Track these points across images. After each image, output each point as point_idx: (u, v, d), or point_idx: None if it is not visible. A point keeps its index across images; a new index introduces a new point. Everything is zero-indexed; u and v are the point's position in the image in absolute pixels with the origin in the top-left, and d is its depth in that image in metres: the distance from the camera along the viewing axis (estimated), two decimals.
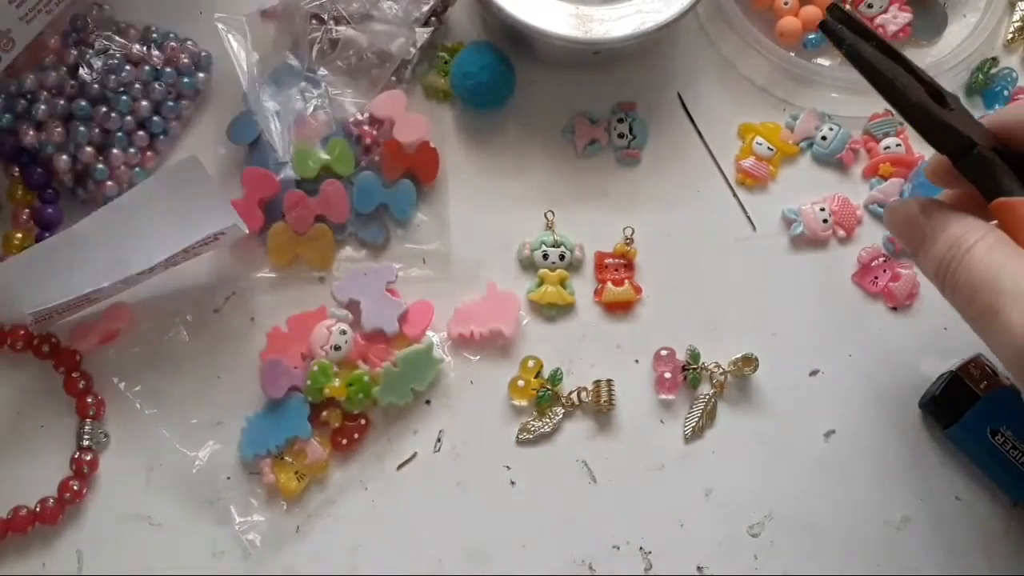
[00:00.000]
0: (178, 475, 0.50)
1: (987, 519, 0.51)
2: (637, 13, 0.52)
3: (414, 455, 0.51)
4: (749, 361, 0.52)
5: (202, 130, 0.56)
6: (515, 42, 0.55)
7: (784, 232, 0.55)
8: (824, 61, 0.58)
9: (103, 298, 0.51)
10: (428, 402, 0.52)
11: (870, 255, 0.55)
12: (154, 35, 0.54)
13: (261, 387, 0.51)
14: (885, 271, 0.54)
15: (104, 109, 0.52)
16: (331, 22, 0.54)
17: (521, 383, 0.51)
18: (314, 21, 0.54)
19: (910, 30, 0.58)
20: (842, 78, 0.57)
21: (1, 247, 0.52)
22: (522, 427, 0.51)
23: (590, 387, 0.52)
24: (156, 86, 0.53)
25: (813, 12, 0.58)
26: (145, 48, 0.53)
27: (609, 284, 0.54)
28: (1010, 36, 0.59)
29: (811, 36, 0.58)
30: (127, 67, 0.52)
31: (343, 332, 0.51)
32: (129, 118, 0.52)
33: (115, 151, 0.52)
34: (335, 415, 0.50)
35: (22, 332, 0.51)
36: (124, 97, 0.52)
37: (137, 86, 0.52)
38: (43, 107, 0.51)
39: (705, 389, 0.52)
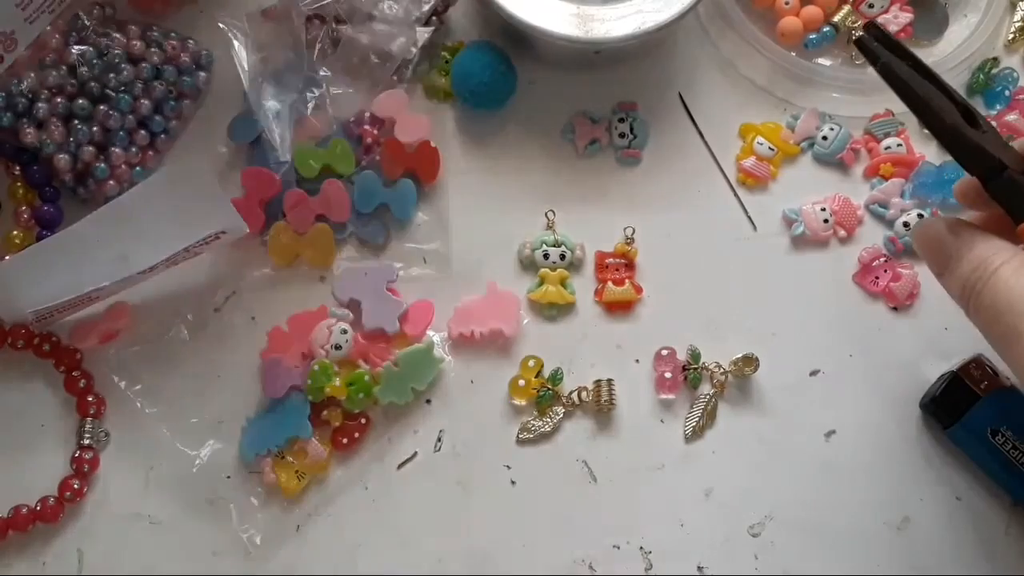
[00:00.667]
0: (178, 474, 0.50)
1: (987, 519, 0.51)
2: (638, 13, 0.52)
3: (414, 455, 0.51)
4: (750, 361, 0.52)
5: (203, 129, 0.56)
6: (516, 42, 0.55)
7: (785, 232, 0.55)
8: (825, 61, 0.58)
9: (103, 297, 0.51)
10: (428, 402, 0.52)
11: (871, 255, 0.55)
12: (155, 34, 0.54)
13: (261, 386, 0.51)
14: (886, 271, 0.54)
15: (105, 108, 0.52)
16: (332, 22, 0.54)
17: (521, 383, 0.51)
18: (315, 21, 0.54)
19: (911, 30, 0.58)
20: (843, 78, 0.57)
21: (2, 246, 0.52)
22: (522, 427, 0.51)
23: (590, 387, 0.52)
24: (157, 85, 0.53)
25: (814, 12, 0.58)
26: (146, 47, 0.53)
27: (610, 284, 0.54)
28: (1011, 36, 0.59)
29: (812, 36, 0.58)
30: (128, 66, 0.52)
31: (344, 331, 0.51)
32: (130, 117, 0.52)
33: (116, 150, 0.52)
34: (335, 414, 0.50)
35: (23, 331, 0.51)
36: (125, 96, 0.52)
37: (138, 85, 0.52)
38: (44, 106, 0.51)
39: (706, 389, 0.52)
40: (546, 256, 0.54)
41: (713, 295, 0.54)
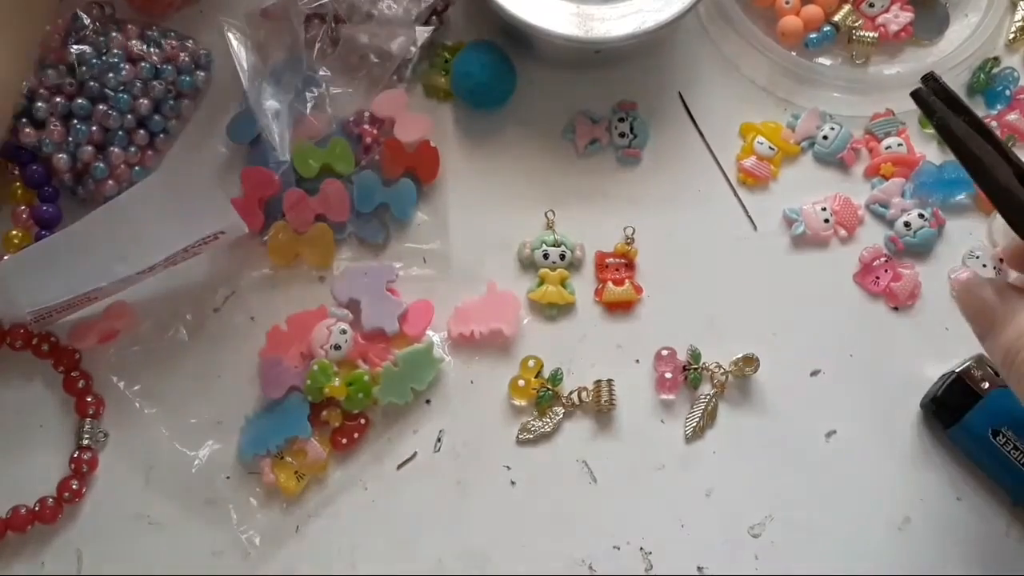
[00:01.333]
0: (178, 474, 0.50)
1: (987, 519, 0.51)
2: (638, 12, 0.52)
3: (414, 455, 0.51)
4: (750, 361, 0.52)
5: (202, 129, 0.55)
6: (515, 41, 0.55)
7: (785, 232, 0.55)
8: (825, 60, 0.58)
9: (103, 297, 0.50)
10: (428, 402, 0.52)
11: (871, 255, 0.55)
12: (154, 34, 0.54)
13: (261, 387, 0.51)
14: (887, 271, 0.54)
15: (104, 108, 0.51)
16: (331, 21, 0.54)
17: (521, 383, 0.51)
18: (314, 20, 0.54)
19: (912, 30, 0.58)
20: (843, 77, 0.57)
21: (1, 246, 0.52)
22: (522, 427, 0.51)
23: (590, 387, 0.52)
24: (156, 85, 0.53)
25: (814, 11, 0.58)
26: (145, 47, 0.53)
27: (610, 284, 0.54)
28: (1012, 36, 0.59)
29: (812, 35, 0.58)
30: (127, 66, 0.52)
31: (343, 331, 0.51)
32: (129, 117, 0.52)
33: (115, 150, 0.52)
34: (335, 415, 0.50)
35: (21, 331, 0.50)
36: (124, 96, 0.52)
37: (137, 85, 0.52)
38: (43, 106, 0.51)
39: (706, 389, 0.52)
40: (546, 256, 0.54)
41: (713, 295, 0.54)
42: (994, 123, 0.57)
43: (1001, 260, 0.51)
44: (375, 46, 0.54)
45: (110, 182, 0.52)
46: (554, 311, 0.53)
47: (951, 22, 0.59)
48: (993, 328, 0.40)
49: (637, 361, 0.53)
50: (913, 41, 0.59)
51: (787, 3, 0.58)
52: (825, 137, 0.56)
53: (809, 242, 0.55)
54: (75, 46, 0.52)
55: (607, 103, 0.57)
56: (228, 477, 0.50)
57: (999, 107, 0.57)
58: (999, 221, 0.41)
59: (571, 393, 0.52)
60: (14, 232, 0.52)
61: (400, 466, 0.51)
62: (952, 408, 0.50)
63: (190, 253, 0.49)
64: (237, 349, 0.52)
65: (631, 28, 0.52)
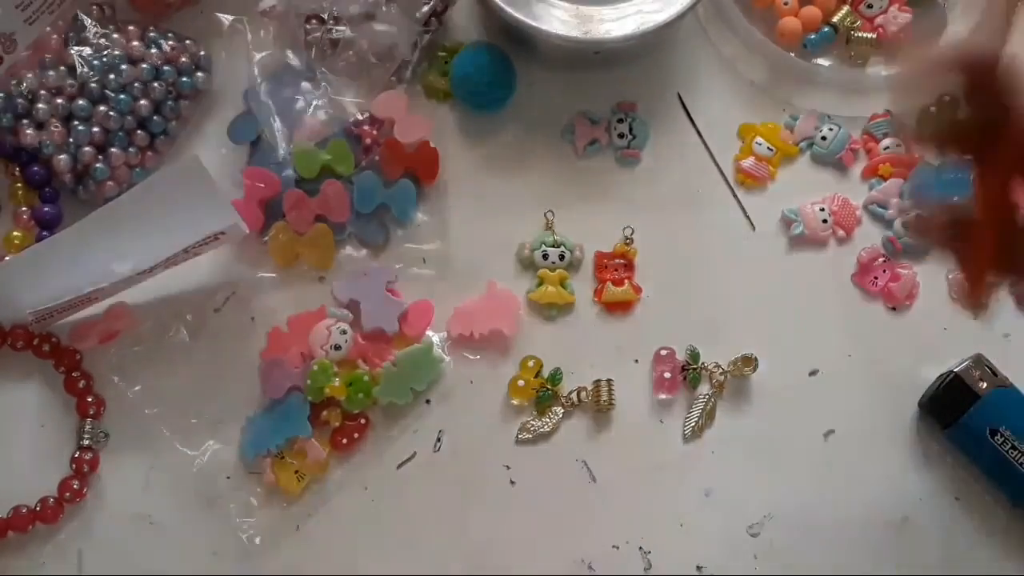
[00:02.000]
0: (178, 475, 0.50)
1: (987, 519, 0.51)
2: (637, 13, 0.52)
3: (414, 455, 0.51)
4: (749, 361, 0.52)
5: (202, 130, 0.56)
6: (515, 42, 0.56)
7: (784, 232, 0.55)
8: (824, 61, 0.58)
9: (103, 298, 0.51)
10: (428, 402, 0.52)
11: (870, 255, 0.55)
12: (154, 35, 0.54)
13: (261, 387, 0.51)
14: (885, 271, 0.54)
15: (104, 109, 0.52)
16: (331, 22, 0.54)
17: (521, 383, 0.51)
18: (314, 21, 0.54)
19: (910, 30, 0.58)
20: (842, 78, 0.57)
21: (1, 246, 0.52)
22: (522, 427, 0.51)
23: (590, 387, 0.52)
24: (156, 86, 0.53)
25: (813, 12, 0.58)
26: (145, 48, 0.53)
27: (609, 284, 0.54)
28: None
29: (811, 36, 0.58)
30: (127, 67, 0.52)
31: (343, 332, 0.51)
32: (129, 118, 0.52)
33: (115, 151, 0.52)
34: (335, 415, 0.50)
35: (22, 331, 0.50)
36: (124, 97, 0.52)
37: (137, 85, 0.52)
38: (43, 107, 0.51)
39: (705, 389, 0.52)
40: (545, 256, 0.54)
41: (712, 295, 0.54)
42: None
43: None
44: (375, 47, 0.54)
45: (110, 183, 0.52)
46: (553, 311, 0.54)
47: (949, 23, 0.59)
48: None
49: (636, 361, 0.53)
50: (912, 42, 0.59)
51: (786, 4, 0.58)
52: (823, 138, 0.57)
53: (807, 242, 0.55)
54: (75, 47, 0.52)
55: (606, 103, 0.57)
56: (229, 477, 0.50)
57: None
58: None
59: (570, 393, 0.52)
60: (15, 233, 0.52)
61: (400, 466, 0.51)
62: (950, 408, 0.50)
63: (191, 254, 0.49)
64: (237, 349, 0.52)
65: (630, 29, 0.52)
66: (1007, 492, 0.51)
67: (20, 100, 0.51)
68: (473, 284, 0.53)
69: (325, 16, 0.54)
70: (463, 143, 0.56)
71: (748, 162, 0.56)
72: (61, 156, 0.51)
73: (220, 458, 0.50)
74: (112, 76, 0.52)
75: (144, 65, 0.53)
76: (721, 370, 0.52)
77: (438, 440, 0.51)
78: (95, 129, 0.51)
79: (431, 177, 0.54)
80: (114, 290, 0.50)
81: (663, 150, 0.57)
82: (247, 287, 0.53)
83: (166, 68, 0.53)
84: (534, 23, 0.52)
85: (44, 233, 0.52)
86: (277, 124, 0.53)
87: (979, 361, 0.51)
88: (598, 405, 0.51)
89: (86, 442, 0.50)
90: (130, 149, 0.53)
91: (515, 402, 0.52)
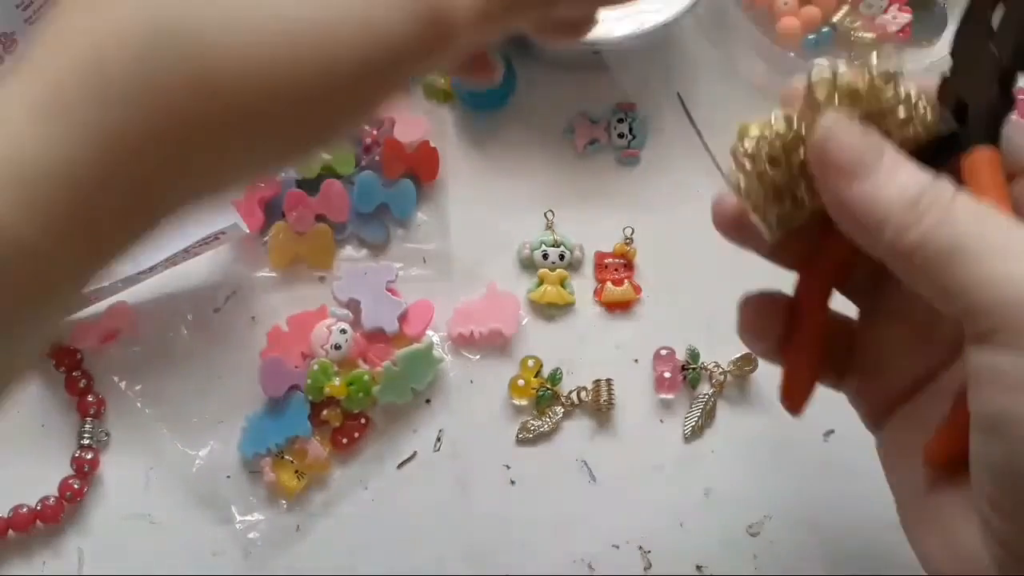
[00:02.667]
0: (178, 474, 0.50)
1: None
2: (637, 13, 0.52)
3: (414, 454, 0.51)
4: (749, 360, 0.52)
5: None
6: (515, 42, 0.56)
7: None
8: (823, 61, 0.58)
9: (104, 297, 0.51)
10: (428, 401, 0.52)
11: None
12: None
13: (261, 386, 0.51)
14: None
15: None
16: None
17: (521, 382, 0.52)
18: None
19: (910, 31, 0.58)
20: None
21: None
22: (522, 427, 0.51)
23: (590, 387, 0.52)
24: None
25: (813, 12, 0.58)
26: None
27: (609, 284, 0.54)
28: None
29: (811, 36, 0.58)
30: None
31: (343, 331, 0.51)
32: None
33: None
34: (335, 414, 0.50)
35: None
36: None
37: None
38: None
39: (705, 389, 0.52)
40: (545, 256, 0.54)
41: (712, 295, 0.54)
42: None
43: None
44: None
45: None
46: (553, 311, 0.54)
47: (949, 23, 0.59)
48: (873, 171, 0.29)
49: (636, 361, 0.53)
50: (912, 42, 0.59)
51: (785, 4, 0.58)
52: None
53: None
54: None
55: (606, 103, 0.57)
56: (229, 476, 0.50)
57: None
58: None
59: (570, 393, 0.52)
60: None
61: (400, 465, 0.51)
62: None
63: (191, 254, 0.49)
64: (238, 349, 0.52)
65: (630, 29, 0.52)
66: None
67: None
68: (473, 284, 0.53)
69: None
70: (463, 143, 0.56)
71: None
72: None
73: (220, 458, 0.50)
74: None
75: None
76: (721, 370, 0.52)
77: (438, 440, 0.51)
78: None
79: (431, 177, 0.55)
80: (114, 290, 0.50)
81: (663, 150, 0.57)
82: (247, 287, 0.53)
83: None
84: None
85: None
86: None
87: None
88: (598, 405, 0.51)
89: (86, 441, 0.50)
90: None
91: (515, 402, 0.52)
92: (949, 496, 0.31)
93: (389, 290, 0.53)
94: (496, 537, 0.50)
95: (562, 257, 0.54)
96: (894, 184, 0.28)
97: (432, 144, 0.54)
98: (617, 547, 0.50)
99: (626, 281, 0.54)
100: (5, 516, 0.48)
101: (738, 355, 0.52)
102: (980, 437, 0.27)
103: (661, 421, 0.52)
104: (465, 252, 0.54)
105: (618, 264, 0.54)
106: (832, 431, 0.52)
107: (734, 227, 0.34)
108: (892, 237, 0.28)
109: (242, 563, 0.49)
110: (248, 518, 0.49)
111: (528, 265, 0.54)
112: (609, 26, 0.52)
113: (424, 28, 0.25)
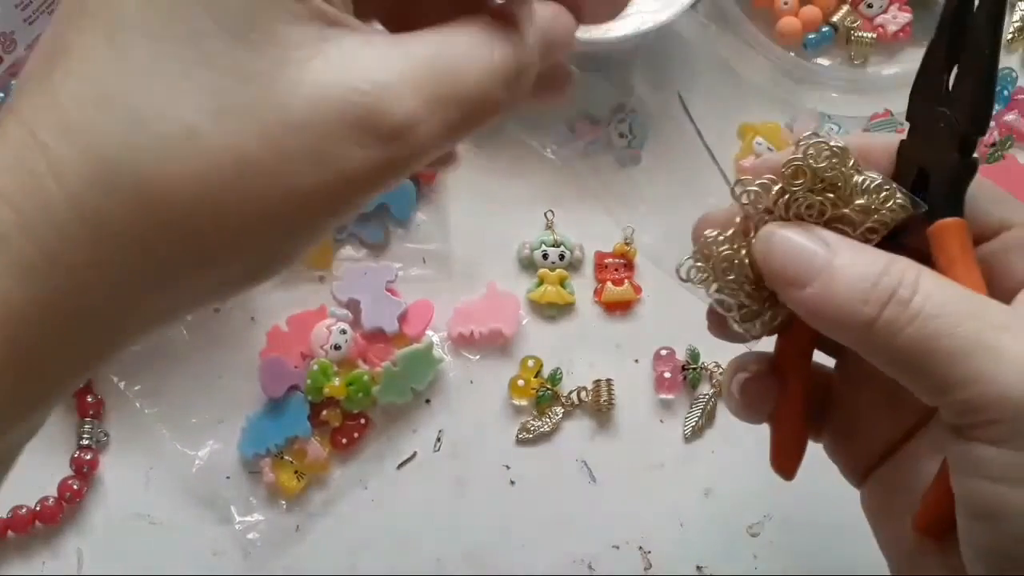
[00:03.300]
0: (178, 474, 0.50)
1: None
2: (637, 13, 0.52)
3: (414, 454, 0.51)
4: None
5: None
6: None
7: None
8: (824, 61, 0.58)
9: None
10: (428, 401, 0.52)
11: None
12: None
13: (261, 386, 0.51)
14: None
15: None
16: None
17: (521, 382, 0.52)
18: None
19: (910, 30, 0.58)
20: (842, 78, 0.57)
21: None
22: (522, 427, 0.51)
23: (590, 387, 0.52)
24: None
25: (813, 12, 0.58)
26: None
27: (609, 284, 0.54)
28: (1010, 36, 0.59)
29: (811, 36, 0.58)
30: None
31: (343, 331, 0.51)
32: None
33: None
34: (335, 414, 0.50)
35: None
36: None
37: None
38: None
39: (705, 389, 0.52)
40: (545, 256, 0.54)
41: None
42: (992, 123, 0.57)
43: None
44: None
45: None
46: (553, 311, 0.54)
47: None
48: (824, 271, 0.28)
49: (636, 361, 0.53)
50: (911, 41, 0.59)
51: (786, 4, 0.58)
52: None
53: None
54: None
55: (606, 103, 0.57)
56: (228, 477, 0.50)
57: (997, 107, 0.58)
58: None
59: (570, 393, 0.52)
60: None
61: (400, 466, 0.51)
62: None
63: None
64: (237, 349, 0.52)
65: (630, 29, 0.52)
66: None
67: None
68: (473, 284, 0.53)
69: None
70: (463, 143, 0.56)
71: (748, 162, 0.56)
72: None
73: (220, 458, 0.50)
74: None
75: None
76: (721, 370, 0.52)
77: (438, 440, 0.51)
78: None
79: (431, 177, 0.55)
80: None
81: (663, 150, 0.57)
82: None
83: None
84: None
85: None
86: None
87: None
88: (598, 405, 0.51)
89: (86, 442, 0.50)
90: None
91: (515, 402, 0.52)
92: (936, 559, 0.31)
93: (389, 290, 0.52)
94: (496, 537, 0.50)
95: (562, 257, 0.54)
96: (844, 283, 0.27)
97: None
98: (617, 547, 0.50)
99: (626, 281, 0.54)
100: (4, 517, 0.48)
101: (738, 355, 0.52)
102: (969, 522, 0.27)
103: (661, 421, 0.52)
104: (465, 252, 0.54)
105: (618, 264, 0.54)
106: None
107: (725, 333, 0.34)
108: (858, 335, 0.27)
109: (242, 563, 0.49)
110: (248, 518, 0.49)
111: (528, 265, 0.54)
112: (608, 26, 0.52)
113: (380, 160, 0.23)
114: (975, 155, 0.30)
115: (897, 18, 0.58)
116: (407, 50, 0.23)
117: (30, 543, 0.49)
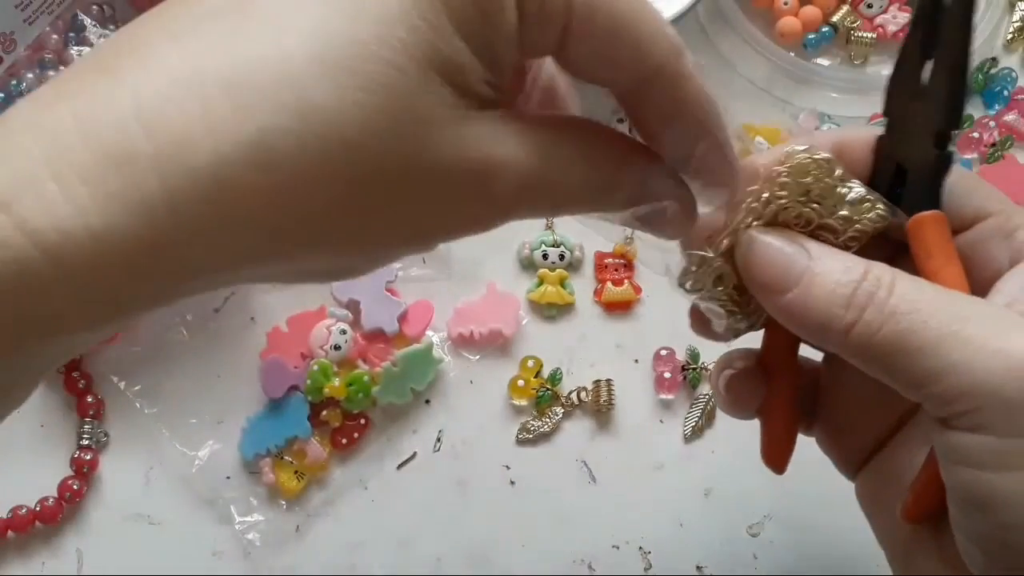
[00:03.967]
0: (178, 475, 0.50)
1: None
2: None
3: (414, 455, 0.51)
4: None
5: None
6: None
7: None
8: (824, 61, 0.58)
9: None
10: (428, 402, 0.52)
11: None
12: None
13: (261, 387, 0.51)
14: None
15: None
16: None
17: (521, 383, 0.52)
18: None
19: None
20: (842, 78, 0.57)
21: None
22: (521, 427, 0.51)
23: (590, 387, 0.52)
24: None
25: (813, 12, 0.58)
26: None
27: (609, 284, 0.54)
28: (1010, 36, 0.59)
29: (811, 36, 0.58)
30: None
31: (343, 332, 0.51)
32: None
33: None
34: (335, 415, 0.50)
35: None
36: None
37: None
38: None
39: (705, 389, 0.52)
40: (545, 256, 0.54)
41: None
42: (992, 123, 0.57)
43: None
44: None
45: None
46: (553, 311, 0.54)
47: None
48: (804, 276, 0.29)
49: (636, 361, 0.53)
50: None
51: (785, 4, 0.58)
52: None
53: None
54: (76, 47, 0.52)
55: (606, 103, 0.57)
56: (228, 477, 0.50)
57: (997, 107, 0.58)
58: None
59: (570, 393, 0.52)
60: None
61: (400, 466, 0.51)
62: None
63: None
64: (237, 349, 0.52)
65: None
66: None
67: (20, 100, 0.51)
68: (473, 284, 0.53)
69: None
70: None
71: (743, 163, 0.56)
72: None
73: (220, 458, 0.50)
74: None
75: None
76: None
77: (438, 440, 0.51)
78: None
79: None
80: None
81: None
82: (246, 287, 0.53)
83: None
84: None
85: None
86: None
87: None
88: (598, 405, 0.51)
89: (86, 442, 0.50)
90: None
91: (515, 402, 0.52)
92: (931, 546, 0.31)
93: (389, 290, 0.52)
94: (496, 537, 0.50)
95: (562, 257, 0.54)
96: (823, 288, 0.28)
97: None
98: (617, 547, 0.50)
99: (626, 281, 0.54)
100: (4, 517, 0.48)
101: None
102: (961, 511, 0.27)
103: (661, 421, 0.52)
104: (465, 252, 0.54)
105: (618, 264, 0.54)
106: None
107: (707, 332, 0.34)
108: (838, 339, 0.28)
109: (242, 563, 0.49)
110: (248, 518, 0.49)
111: (528, 265, 0.54)
112: None
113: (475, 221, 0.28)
114: (951, 148, 0.30)
115: (897, 18, 0.58)
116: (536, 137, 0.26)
117: (30, 543, 0.49)
